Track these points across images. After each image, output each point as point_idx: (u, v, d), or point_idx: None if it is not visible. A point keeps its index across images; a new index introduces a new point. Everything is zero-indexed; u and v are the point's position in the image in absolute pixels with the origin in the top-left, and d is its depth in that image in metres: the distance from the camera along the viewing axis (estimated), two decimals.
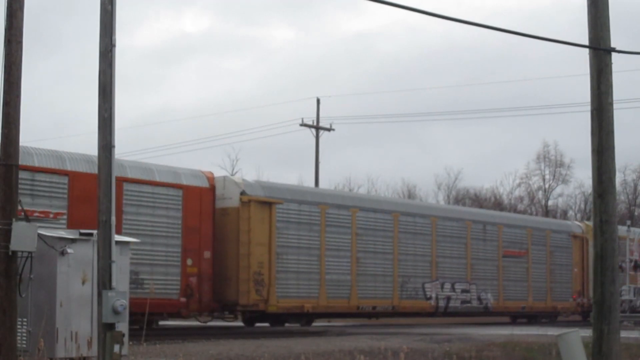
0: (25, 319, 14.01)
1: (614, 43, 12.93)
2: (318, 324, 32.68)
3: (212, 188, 25.22)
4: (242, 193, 25.47)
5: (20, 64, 11.80)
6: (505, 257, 33.67)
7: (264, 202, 25.98)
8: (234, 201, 25.41)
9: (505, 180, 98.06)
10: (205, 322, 27.44)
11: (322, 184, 46.69)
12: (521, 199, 72.24)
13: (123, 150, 54.13)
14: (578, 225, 36.79)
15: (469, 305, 32.33)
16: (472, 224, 32.80)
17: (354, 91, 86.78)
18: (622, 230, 31.56)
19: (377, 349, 18.37)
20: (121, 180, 22.19)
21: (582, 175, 79.52)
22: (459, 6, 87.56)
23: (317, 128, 48.09)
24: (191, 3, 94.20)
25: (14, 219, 11.73)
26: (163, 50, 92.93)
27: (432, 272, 31.01)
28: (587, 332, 14.13)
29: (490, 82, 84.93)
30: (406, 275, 30.09)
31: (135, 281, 22.53)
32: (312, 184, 47.68)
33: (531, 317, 35.78)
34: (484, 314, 34.01)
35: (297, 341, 21.55)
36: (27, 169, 20.47)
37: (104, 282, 11.13)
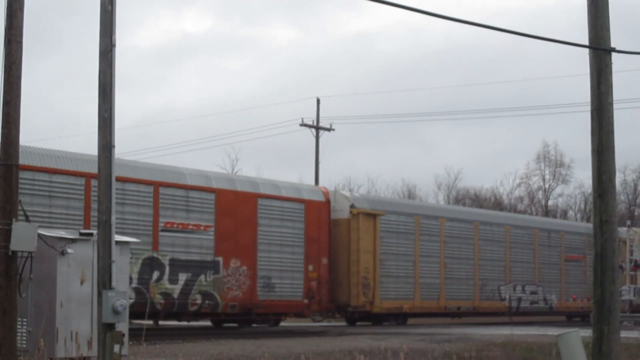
0: (25, 319, 14.01)
1: (614, 43, 12.93)
2: (317, 324, 32.82)
3: (328, 202, 28.49)
4: (352, 206, 28.79)
5: (20, 63, 11.80)
6: (566, 262, 37.32)
7: (369, 214, 29.14)
8: (344, 213, 28.68)
9: (505, 180, 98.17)
10: (319, 321, 30.86)
11: (322, 184, 46.64)
12: (521, 199, 72.30)
13: (124, 150, 54.13)
14: (625, 230, 37.64)
15: (536, 305, 35.91)
16: (539, 231, 36.45)
17: (355, 91, 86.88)
18: (622, 230, 31.77)
19: (377, 349, 18.37)
20: (256, 196, 26.00)
21: (582, 175, 79.62)
22: (459, 6, 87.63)
23: (317, 128, 48.09)
24: (192, 3, 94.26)
25: (14, 219, 11.73)
26: (164, 51, 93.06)
27: (506, 275, 34.35)
28: (587, 332, 14.13)
29: (491, 82, 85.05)
30: (485, 278, 33.44)
31: (268, 285, 26.14)
32: (312, 184, 47.67)
33: (584, 316, 37.69)
34: (549, 313, 37.48)
35: (297, 341, 21.55)
36: (182, 187, 24.26)
37: (104, 282, 11.12)
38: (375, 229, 29.07)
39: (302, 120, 47.86)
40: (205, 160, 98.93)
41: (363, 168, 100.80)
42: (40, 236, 12.86)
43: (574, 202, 72.53)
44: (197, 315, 25.55)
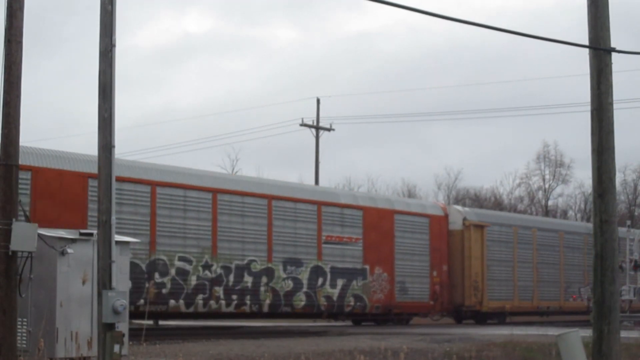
0: (25, 319, 14.01)
1: (614, 43, 12.93)
2: (319, 323, 32.83)
3: (446, 216, 32.75)
4: (464, 219, 32.97)
5: (20, 63, 11.79)
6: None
7: (478, 225, 33.35)
8: (458, 225, 32.79)
9: (505, 180, 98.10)
10: (436, 320, 34.36)
11: (322, 184, 46.68)
12: (521, 199, 72.27)
13: (125, 150, 54.21)
14: (625, 230, 38.47)
15: None
16: None
17: (355, 91, 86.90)
18: (622, 230, 31.85)
19: (377, 349, 18.37)
20: (393, 212, 30.56)
21: (582, 175, 79.58)
22: (460, 6, 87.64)
23: (317, 128, 48.10)
24: (193, 3, 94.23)
25: (14, 219, 11.73)
26: (166, 51, 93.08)
27: (584, 278, 37.47)
28: (587, 332, 14.14)
29: (491, 82, 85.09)
30: (568, 281, 37.69)
31: (402, 289, 30.51)
32: (312, 183, 47.68)
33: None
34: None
35: (297, 341, 21.56)
36: (337, 205, 28.54)
37: (104, 282, 11.12)
38: (482, 238, 33.43)
39: (302, 120, 47.89)
40: (205, 160, 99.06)
41: (363, 168, 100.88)
42: (40, 236, 12.86)
43: (574, 202, 72.56)
44: (349, 315, 29.78)
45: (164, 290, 23.63)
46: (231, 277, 25.20)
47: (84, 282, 14.43)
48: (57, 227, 18.14)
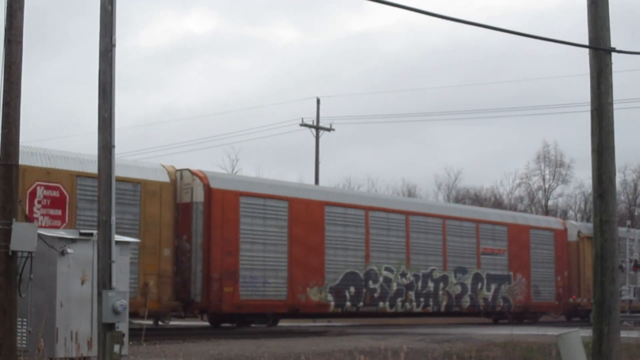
0: (25, 319, 14.00)
1: (614, 43, 12.93)
2: (319, 323, 32.83)
3: (565, 230, 37.47)
4: (579, 232, 37.49)
5: (20, 63, 11.79)
6: None
7: (590, 237, 34.28)
8: (573, 237, 37.44)
9: (505, 180, 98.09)
10: (556, 317, 38.64)
11: (322, 184, 46.70)
12: (521, 199, 72.27)
13: (126, 150, 54.25)
14: (625, 230, 38.95)
15: None
16: None
17: (356, 91, 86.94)
18: (622, 230, 31.91)
19: (377, 349, 18.37)
20: (528, 228, 35.70)
21: (582, 175, 79.59)
22: (461, 7, 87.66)
23: (317, 128, 48.10)
24: (196, 3, 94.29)
25: (14, 219, 11.73)
26: (168, 51, 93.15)
27: None
28: (587, 332, 14.14)
29: (492, 82, 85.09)
30: None
31: (536, 291, 35.60)
32: (312, 183, 47.70)
33: None
34: None
35: (297, 341, 21.56)
36: (488, 222, 34.04)
37: (104, 282, 11.12)
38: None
39: (302, 120, 47.90)
40: (205, 161, 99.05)
41: (363, 168, 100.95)
42: (40, 236, 12.85)
43: (574, 202, 72.55)
44: (498, 314, 34.87)
45: (375, 295, 28.95)
46: (420, 283, 30.67)
47: (83, 282, 14.42)
48: (306, 245, 26.77)
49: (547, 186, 70.85)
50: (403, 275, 29.74)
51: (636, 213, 69.35)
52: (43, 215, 21.20)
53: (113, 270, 11.12)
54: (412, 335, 23.83)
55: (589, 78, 12.92)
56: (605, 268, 12.68)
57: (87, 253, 14.53)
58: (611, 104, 12.86)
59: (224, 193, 24.74)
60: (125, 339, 13.06)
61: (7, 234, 11.63)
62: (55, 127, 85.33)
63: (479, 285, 32.96)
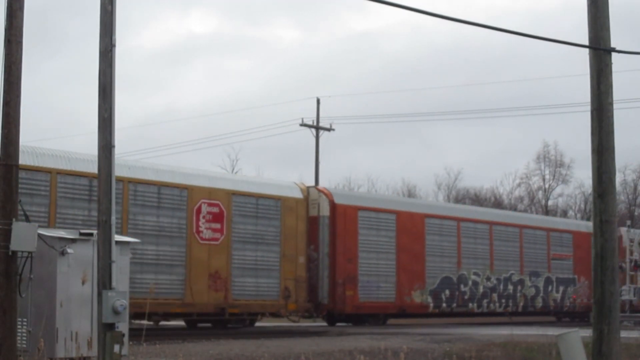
0: (25, 319, 14.00)
1: (614, 43, 12.92)
2: (319, 323, 32.82)
3: (621, 236, 36.44)
4: (631, 239, 37.48)
5: (20, 63, 11.78)
6: None
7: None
8: (626, 243, 36.93)
9: (505, 180, 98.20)
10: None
11: (322, 184, 46.71)
12: (521, 199, 72.31)
13: (127, 150, 54.24)
14: (625, 230, 39.58)
15: None
16: None
17: (357, 91, 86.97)
18: (622, 230, 32.02)
19: (377, 349, 18.37)
20: (589, 234, 33.49)
21: (582, 175, 79.58)
22: (462, 7, 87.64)
23: (317, 128, 48.10)
24: (197, 3, 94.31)
25: (14, 219, 11.72)
26: (169, 51, 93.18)
27: None
28: (587, 332, 14.13)
29: (493, 83, 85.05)
30: None
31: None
32: (312, 183, 47.71)
33: None
34: None
35: (297, 341, 21.56)
36: (556, 230, 36.79)
37: (104, 282, 11.12)
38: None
39: (302, 120, 47.90)
40: (205, 161, 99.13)
41: (363, 168, 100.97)
42: (40, 236, 12.85)
43: (574, 202, 72.63)
44: (565, 314, 37.76)
45: (465, 296, 32.36)
46: (501, 286, 33.96)
47: (83, 282, 14.42)
48: (410, 253, 30.16)
49: (547, 186, 70.95)
50: (488, 279, 33.50)
51: (636, 213, 69.35)
52: (206, 228, 24.52)
53: (113, 270, 11.12)
54: (412, 335, 23.83)
55: (589, 78, 12.92)
56: (605, 268, 12.68)
57: (87, 253, 14.53)
58: (611, 104, 12.85)
59: (345, 208, 28.47)
60: (125, 339, 13.06)
61: (7, 234, 11.63)
62: (55, 127, 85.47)
63: (550, 288, 36.27)
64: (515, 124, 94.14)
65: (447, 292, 31.70)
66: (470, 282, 32.57)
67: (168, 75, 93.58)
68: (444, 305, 31.48)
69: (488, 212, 38.05)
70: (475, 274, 32.92)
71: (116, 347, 11.04)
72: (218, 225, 24.71)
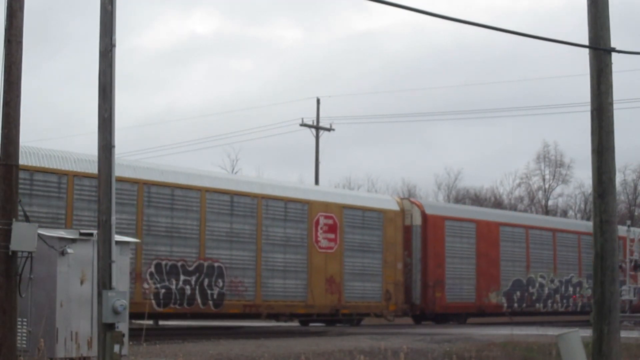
0: (25, 319, 14.01)
1: (614, 43, 12.92)
2: (320, 323, 32.81)
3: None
4: None
5: (20, 63, 11.78)
6: None
7: None
8: None
9: (505, 180, 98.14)
10: None
11: (322, 184, 46.72)
12: (521, 199, 72.29)
13: (127, 150, 54.26)
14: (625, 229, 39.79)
15: None
16: None
17: (358, 91, 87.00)
18: (622, 230, 32.00)
19: (377, 349, 18.37)
20: (623, 239, 35.78)
21: (582, 175, 79.62)
22: (463, 7, 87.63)
23: (317, 128, 48.10)
24: (199, 3, 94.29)
25: (14, 219, 11.72)
26: (172, 51, 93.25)
27: None
28: (587, 332, 14.13)
29: (494, 82, 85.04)
30: None
31: None
32: (312, 183, 47.70)
33: None
34: None
35: (297, 341, 21.56)
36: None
37: (104, 282, 11.12)
38: None
39: (302, 120, 47.89)
40: (205, 161, 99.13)
41: (363, 168, 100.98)
42: (40, 236, 12.85)
43: (574, 202, 72.61)
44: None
45: (533, 297, 35.45)
46: (563, 288, 36.92)
47: (82, 282, 14.43)
48: (487, 258, 33.23)
49: (547, 186, 70.95)
50: (551, 281, 36.51)
51: (636, 213, 69.34)
52: (323, 238, 27.78)
53: (113, 270, 11.12)
54: (412, 335, 23.82)
55: (589, 78, 12.92)
56: (605, 268, 12.68)
57: (87, 253, 14.54)
58: (611, 104, 12.85)
59: (435, 218, 31.55)
60: (125, 339, 13.07)
61: (7, 234, 11.63)
62: (57, 127, 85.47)
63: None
64: (515, 124, 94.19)
65: (518, 293, 34.88)
66: (537, 285, 35.82)
67: (169, 76, 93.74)
68: (515, 305, 34.70)
69: (551, 220, 41.06)
70: (541, 277, 36.08)
71: (116, 347, 11.04)
72: (332, 236, 28.05)
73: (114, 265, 11.12)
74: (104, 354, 11.05)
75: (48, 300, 14.13)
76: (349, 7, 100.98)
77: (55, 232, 15.16)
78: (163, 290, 23.49)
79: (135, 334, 16.63)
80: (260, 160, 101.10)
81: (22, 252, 12.14)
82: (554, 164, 70.14)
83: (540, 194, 71.47)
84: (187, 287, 24.09)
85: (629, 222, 37.08)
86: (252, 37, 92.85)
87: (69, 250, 14.31)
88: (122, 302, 11.06)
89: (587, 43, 12.96)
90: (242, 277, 25.35)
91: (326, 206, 27.86)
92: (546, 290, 36.32)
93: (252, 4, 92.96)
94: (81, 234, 14.84)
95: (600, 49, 12.77)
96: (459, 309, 32.77)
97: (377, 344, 19.81)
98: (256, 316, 26.35)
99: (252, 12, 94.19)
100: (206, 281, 24.51)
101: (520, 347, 19.99)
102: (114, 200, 11.21)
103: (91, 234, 14.52)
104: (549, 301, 36.45)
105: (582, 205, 71.05)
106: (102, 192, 11.22)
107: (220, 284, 24.84)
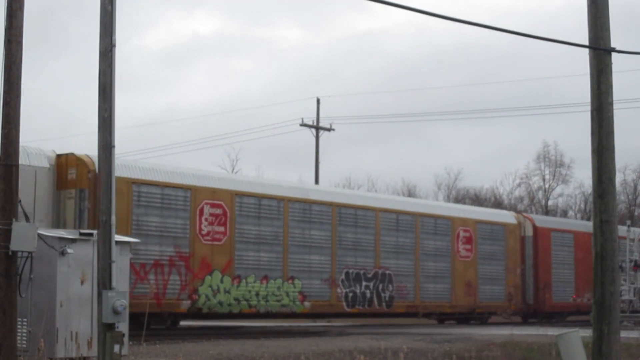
0: (25, 319, 14.01)
1: (614, 43, 12.92)
2: (319, 323, 32.83)
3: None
4: None
5: (20, 63, 11.79)
6: None
7: None
8: None
9: (505, 180, 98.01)
10: None
11: (322, 184, 46.71)
12: (521, 199, 72.26)
13: (127, 150, 54.29)
14: (625, 229, 40.09)
15: None
16: None
17: (359, 91, 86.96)
18: (622, 230, 32.04)
19: (377, 349, 18.37)
20: None
21: (582, 175, 79.51)
22: (465, 8, 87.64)
23: (317, 128, 48.10)
24: (201, 4, 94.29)
25: (14, 219, 11.72)
26: (174, 52, 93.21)
27: None
28: (587, 332, 14.14)
29: (494, 82, 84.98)
30: None
31: None
32: (311, 183, 47.70)
33: None
34: None
35: (297, 341, 21.56)
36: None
37: (104, 282, 11.12)
38: None
39: (302, 120, 47.89)
40: (205, 161, 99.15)
41: (363, 168, 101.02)
42: (40, 236, 12.85)
43: (574, 202, 72.57)
44: None
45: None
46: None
47: (82, 282, 14.43)
48: (583, 264, 35.87)
49: (547, 186, 70.90)
50: (632, 283, 37.61)
51: (636, 213, 69.35)
52: (463, 249, 32.68)
53: (113, 270, 11.12)
54: (412, 335, 23.83)
55: (589, 78, 12.92)
56: (605, 268, 12.68)
57: (87, 253, 14.54)
58: (611, 104, 12.85)
59: (543, 230, 36.34)
60: (125, 339, 13.07)
61: (7, 234, 11.64)
62: (58, 127, 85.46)
63: None
64: (515, 124, 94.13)
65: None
66: None
67: (171, 76, 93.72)
68: None
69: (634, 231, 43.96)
70: (623, 279, 38.53)
71: (116, 347, 11.04)
72: (469, 246, 32.99)
73: (114, 265, 11.12)
74: (104, 354, 11.06)
75: (48, 300, 14.14)
76: (351, 7, 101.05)
77: (55, 232, 15.16)
78: (350, 294, 28.29)
79: (135, 334, 16.63)
80: (260, 160, 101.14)
81: (22, 252, 12.14)
82: (554, 164, 70.13)
83: (540, 194, 71.47)
84: (367, 291, 28.89)
85: (629, 222, 37.05)
86: (253, 38, 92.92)
87: (69, 250, 14.31)
88: (122, 302, 11.06)
89: (587, 43, 12.96)
90: (405, 283, 30.26)
91: (464, 222, 33.05)
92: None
93: (254, 4, 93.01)
94: (81, 234, 14.84)
95: (600, 49, 12.77)
96: (562, 309, 37.07)
97: (377, 344, 19.82)
98: (414, 315, 31.25)
99: (254, 13, 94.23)
100: (380, 286, 29.37)
101: (520, 347, 20.00)
102: (114, 200, 11.21)
103: (91, 234, 14.52)
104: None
105: (582, 205, 71.07)
106: (102, 192, 11.22)
107: (390, 289, 29.68)
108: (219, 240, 24.35)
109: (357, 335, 24.22)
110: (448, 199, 70.25)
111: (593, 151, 12.89)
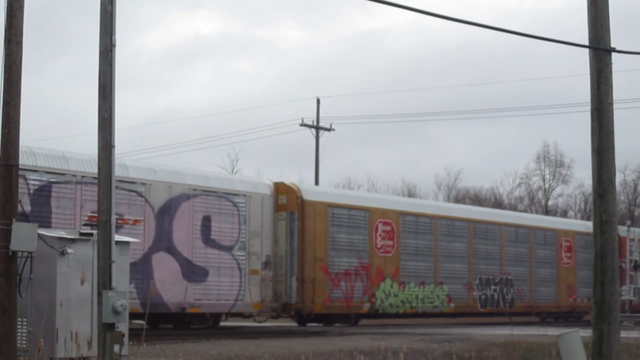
0: (25, 319, 14.00)
1: (614, 43, 12.91)
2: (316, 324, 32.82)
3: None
4: None
5: (20, 63, 11.78)
6: None
7: None
8: None
9: (505, 180, 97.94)
10: None
11: (322, 184, 46.73)
12: (521, 199, 72.26)
13: (128, 150, 54.29)
14: (625, 229, 40.35)
15: None
16: None
17: (360, 91, 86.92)
18: (622, 230, 32.07)
19: (377, 349, 18.37)
20: None
21: (582, 175, 79.42)
22: (468, 9, 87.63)
23: (317, 128, 48.09)
24: (203, 4, 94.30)
25: (14, 219, 11.72)
26: (176, 52, 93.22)
27: None
28: (587, 332, 14.13)
29: (495, 82, 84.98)
30: None
31: None
32: (312, 183, 47.69)
33: None
34: None
35: (297, 341, 21.56)
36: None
37: (104, 282, 11.12)
38: None
39: (302, 120, 47.88)
40: (205, 161, 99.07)
41: (363, 168, 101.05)
42: (40, 236, 12.85)
43: (574, 202, 72.59)
44: None
45: None
46: None
47: (82, 282, 14.42)
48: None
49: (547, 186, 70.91)
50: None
51: (636, 213, 69.35)
52: (565, 256, 37.59)
53: (113, 270, 11.12)
54: (412, 335, 23.83)
55: (589, 78, 12.91)
56: (605, 268, 12.67)
57: (87, 253, 14.53)
58: (611, 104, 12.84)
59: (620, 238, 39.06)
60: (125, 339, 13.06)
61: (7, 234, 11.63)
62: (59, 127, 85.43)
63: None
64: (515, 124, 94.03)
65: None
66: None
67: (173, 76, 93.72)
68: None
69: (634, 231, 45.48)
70: None
71: (116, 347, 11.04)
72: (569, 254, 37.68)
73: (113, 265, 11.12)
74: (104, 354, 11.06)
75: (48, 300, 14.13)
76: (353, 7, 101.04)
77: (55, 232, 15.16)
78: (483, 296, 33.23)
79: (136, 334, 16.62)
80: (261, 160, 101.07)
81: (22, 252, 12.15)
82: (554, 164, 70.13)
83: (540, 194, 71.48)
84: (495, 293, 33.81)
85: (629, 222, 37.08)
86: (255, 38, 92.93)
87: (69, 250, 14.31)
88: (122, 302, 11.07)
89: (587, 43, 12.96)
90: (522, 286, 35.14)
91: (566, 233, 37.75)
92: None
93: (256, 4, 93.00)
94: (81, 234, 14.84)
95: (600, 49, 12.76)
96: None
97: (377, 344, 19.82)
98: (528, 314, 35.83)
99: (256, 13, 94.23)
100: (504, 289, 34.31)
101: (520, 347, 20.00)
102: (114, 200, 11.21)
103: (91, 234, 14.52)
104: None
105: (582, 205, 71.07)
106: (102, 192, 11.22)
107: (512, 292, 34.63)
108: (389, 252, 29.65)
109: (357, 335, 24.21)
110: (448, 199, 70.25)
111: (593, 151, 12.88)
